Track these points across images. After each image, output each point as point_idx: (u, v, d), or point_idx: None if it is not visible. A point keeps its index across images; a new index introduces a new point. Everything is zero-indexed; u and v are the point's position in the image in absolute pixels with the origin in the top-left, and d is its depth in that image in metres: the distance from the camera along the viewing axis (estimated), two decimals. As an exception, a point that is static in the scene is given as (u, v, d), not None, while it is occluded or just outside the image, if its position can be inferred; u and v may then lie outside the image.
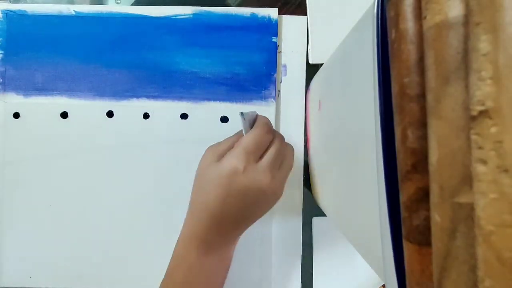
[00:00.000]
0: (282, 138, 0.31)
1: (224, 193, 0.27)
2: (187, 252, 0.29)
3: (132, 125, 0.37)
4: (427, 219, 0.14)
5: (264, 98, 0.37)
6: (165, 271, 0.30)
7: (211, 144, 0.30)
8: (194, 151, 0.37)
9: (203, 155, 0.29)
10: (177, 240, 0.30)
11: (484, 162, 0.11)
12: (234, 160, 0.26)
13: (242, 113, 0.28)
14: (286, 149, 0.30)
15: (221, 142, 0.29)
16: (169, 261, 0.30)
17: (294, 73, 0.38)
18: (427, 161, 0.13)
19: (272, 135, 0.29)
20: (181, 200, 0.37)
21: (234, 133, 0.31)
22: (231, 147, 0.28)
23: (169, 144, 0.37)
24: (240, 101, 0.37)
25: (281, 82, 0.38)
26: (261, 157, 0.28)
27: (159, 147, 0.37)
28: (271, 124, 0.30)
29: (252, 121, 0.30)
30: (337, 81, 0.26)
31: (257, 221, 0.37)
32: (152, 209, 0.37)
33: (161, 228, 0.37)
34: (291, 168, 0.31)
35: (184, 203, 0.37)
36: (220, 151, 0.28)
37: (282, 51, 0.38)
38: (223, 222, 0.28)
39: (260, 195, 0.27)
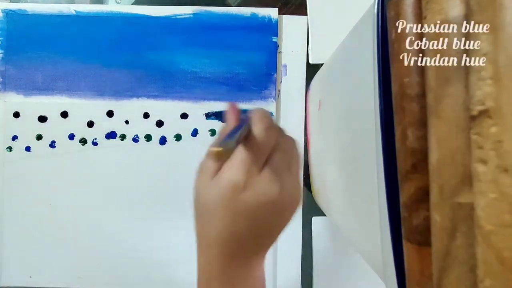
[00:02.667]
0: (283, 133, 0.25)
1: (230, 215, 0.22)
2: None
3: (132, 124, 0.37)
4: (427, 219, 0.13)
5: (264, 98, 0.37)
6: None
7: (210, 148, 0.24)
8: (193, 151, 0.37)
9: (197, 175, 0.24)
10: (198, 280, 0.26)
11: (484, 162, 0.11)
12: (232, 174, 0.22)
13: (245, 111, 0.23)
14: (291, 145, 0.25)
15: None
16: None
17: (294, 73, 0.38)
18: (427, 161, 0.13)
19: (275, 135, 0.24)
20: (181, 201, 0.37)
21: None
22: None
23: (169, 144, 0.37)
24: (240, 101, 0.37)
25: (281, 82, 0.38)
26: (265, 162, 0.23)
27: (159, 147, 0.37)
28: (271, 118, 0.24)
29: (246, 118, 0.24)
30: (337, 81, 0.26)
31: (257, 221, 0.37)
32: (152, 209, 0.37)
33: (161, 229, 0.37)
34: (300, 164, 0.26)
35: (184, 203, 0.37)
36: (215, 164, 0.23)
37: (282, 51, 0.38)
38: (239, 250, 0.23)
39: (274, 209, 0.23)
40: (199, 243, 0.25)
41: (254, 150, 0.22)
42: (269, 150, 0.23)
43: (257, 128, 0.23)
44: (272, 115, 0.37)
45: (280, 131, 0.25)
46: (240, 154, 0.22)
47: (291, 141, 0.25)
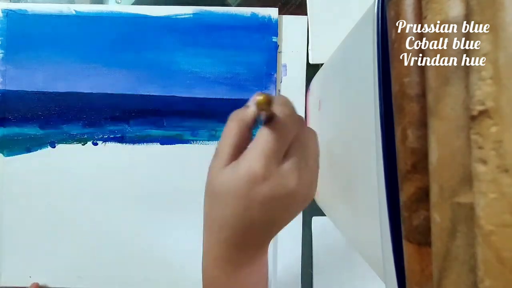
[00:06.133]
0: (304, 123, 0.24)
1: (243, 206, 0.21)
2: (213, 276, 0.24)
3: (132, 124, 0.37)
4: (427, 219, 0.13)
5: (264, 98, 0.37)
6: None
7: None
8: (194, 150, 0.37)
9: (212, 160, 0.23)
10: (202, 261, 0.25)
11: (484, 162, 0.11)
12: (252, 165, 0.21)
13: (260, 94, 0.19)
14: (311, 137, 0.24)
15: (227, 139, 0.22)
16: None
17: (294, 73, 0.38)
18: (427, 161, 0.13)
19: (297, 123, 0.22)
20: (181, 200, 0.37)
21: None
22: (242, 146, 0.22)
23: (170, 144, 0.37)
24: (240, 101, 0.37)
25: (281, 82, 0.38)
26: (286, 153, 0.22)
27: (159, 146, 0.37)
28: (293, 105, 0.22)
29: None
30: (337, 81, 0.26)
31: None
32: (152, 208, 0.37)
33: (161, 228, 0.37)
34: (318, 157, 0.24)
35: (185, 203, 0.37)
36: (231, 152, 0.22)
37: (282, 51, 0.38)
38: (246, 238, 0.23)
39: (289, 202, 0.22)
40: (206, 223, 0.24)
41: (276, 138, 0.21)
42: (291, 139, 0.22)
43: (281, 112, 0.21)
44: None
45: (301, 121, 0.23)
46: (262, 143, 0.21)
47: (312, 133, 0.24)
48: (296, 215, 0.24)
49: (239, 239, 0.23)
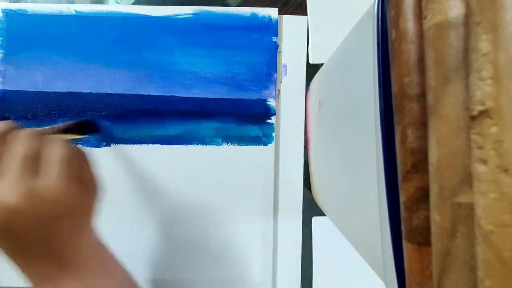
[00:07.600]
0: (27, 134, 0.23)
1: None
2: None
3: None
4: (427, 219, 0.14)
5: (264, 98, 0.37)
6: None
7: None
8: (194, 151, 0.37)
9: None
10: None
11: (484, 162, 0.11)
12: None
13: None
14: (39, 144, 0.23)
15: None
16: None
17: (294, 73, 0.38)
18: (427, 161, 0.13)
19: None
20: (180, 202, 0.37)
21: None
22: None
23: (170, 144, 0.37)
24: (240, 101, 0.37)
25: (281, 82, 0.38)
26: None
27: (160, 147, 0.37)
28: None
29: None
30: (337, 81, 0.26)
31: (257, 221, 0.37)
32: (152, 208, 0.37)
33: (159, 228, 0.37)
34: (64, 163, 0.23)
35: (183, 204, 0.37)
36: None
37: (282, 51, 0.38)
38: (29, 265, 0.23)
39: (17, 219, 0.20)
40: None
41: None
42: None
43: None
44: (274, 113, 0.37)
45: (17, 134, 0.23)
46: None
47: (46, 140, 0.23)
48: (61, 225, 0.23)
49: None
